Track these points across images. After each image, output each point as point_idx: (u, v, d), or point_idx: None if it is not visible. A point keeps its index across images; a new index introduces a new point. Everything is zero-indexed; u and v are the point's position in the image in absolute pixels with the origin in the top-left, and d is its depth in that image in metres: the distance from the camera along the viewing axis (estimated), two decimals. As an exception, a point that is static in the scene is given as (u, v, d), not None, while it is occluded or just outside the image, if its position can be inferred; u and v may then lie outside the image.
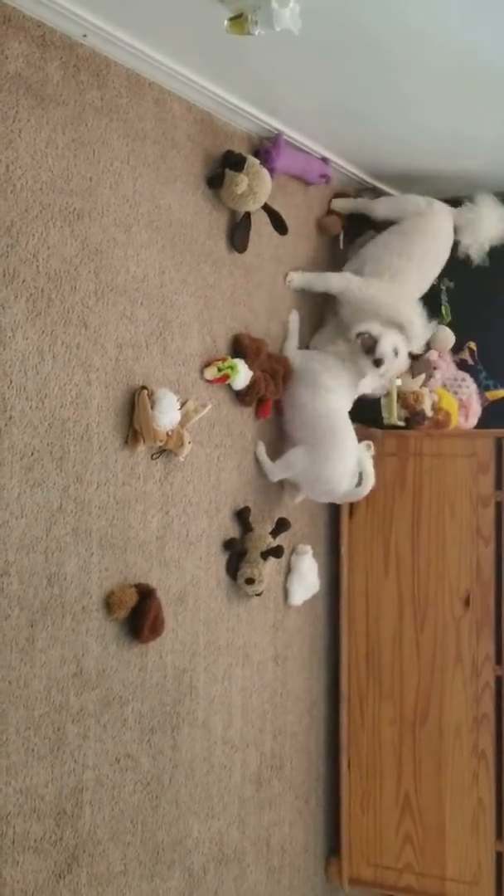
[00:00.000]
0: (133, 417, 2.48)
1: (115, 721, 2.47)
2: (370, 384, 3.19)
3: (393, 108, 2.80)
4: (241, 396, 2.91)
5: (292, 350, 3.14)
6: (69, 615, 2.31)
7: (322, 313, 3.37)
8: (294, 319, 3.18)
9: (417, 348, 3.20)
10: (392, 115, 2.85)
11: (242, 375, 2.85)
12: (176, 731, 2.70)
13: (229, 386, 2.86)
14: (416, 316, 3.13)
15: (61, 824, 2.30)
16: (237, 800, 3.00)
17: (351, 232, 3.49)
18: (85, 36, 2.28)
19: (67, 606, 2.31)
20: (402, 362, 3.20)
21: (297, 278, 3.21)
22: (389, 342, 3.05)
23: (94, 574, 2.38)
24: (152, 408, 2.46)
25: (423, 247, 3.17)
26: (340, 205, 3.45)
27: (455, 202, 3.32)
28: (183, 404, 2.61)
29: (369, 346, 3.04)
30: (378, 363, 3.05)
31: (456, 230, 3.28)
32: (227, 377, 2.80)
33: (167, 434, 2.52)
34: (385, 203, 3.38)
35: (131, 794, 2.53)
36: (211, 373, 2.77)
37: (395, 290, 3.12)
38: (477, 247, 3.29)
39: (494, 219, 3.25)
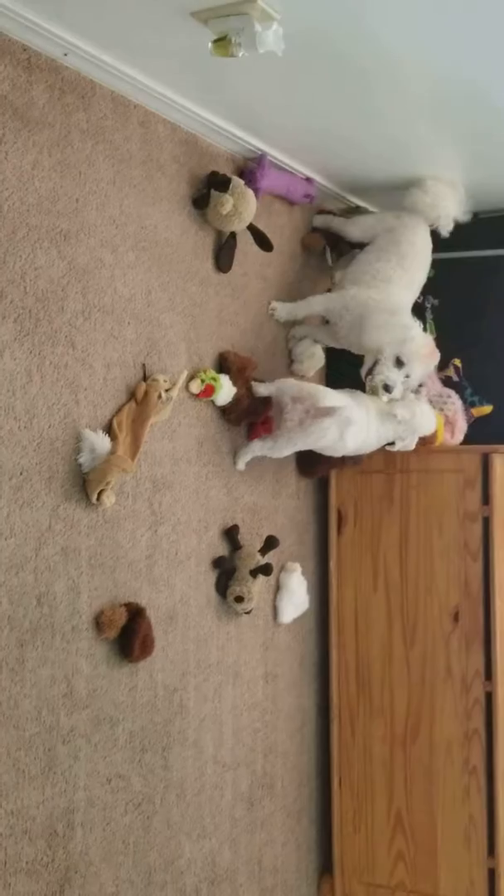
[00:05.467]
0: (125, 413, 2.49)
1: (106, 741, 2.46)
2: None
3: (374, 128, 2.83)
4: (226, 414, 2.93)
5: None
6: (59, 635, 2.31)
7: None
8: None
9: (417, 353, 3.01)
10: (373, 135, 2.89)
11: (226, 390, 2.86)
12: (167, 750, 2.70)
13: (215, 404, 2.88)
14: (411, 320, 3.04)
15: (53, 846, 2.29)
16: (229, 819, 2.99)
17: (337, 248, 3.51)
18: (66, 55, 2.30)
19: (57, 626, 2.30)
20: (418, 371, 3.05)
21: (280, 309, 3.21)
22: (387, 363, 2.97)
23: (83, 593, 2.38)
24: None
25: (401, 252, 3.15)
26: (320, 221, 3.47)
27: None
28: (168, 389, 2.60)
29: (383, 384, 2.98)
30: (388, 389, 2.97)
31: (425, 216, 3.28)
32: (211, 389, 2.82)
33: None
34: (358, 224, 3.38)
35: (123, 815, 2.52)
36: (196, 385, 2.78)
37: (384, 288, 3.07)
38: (445, 220, 3.28)
39: (449, 193, 3.25)
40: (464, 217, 3.32)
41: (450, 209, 3.26)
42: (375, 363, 2.99)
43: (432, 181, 3.21)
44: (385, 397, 3.01)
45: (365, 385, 3.05)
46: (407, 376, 3.00)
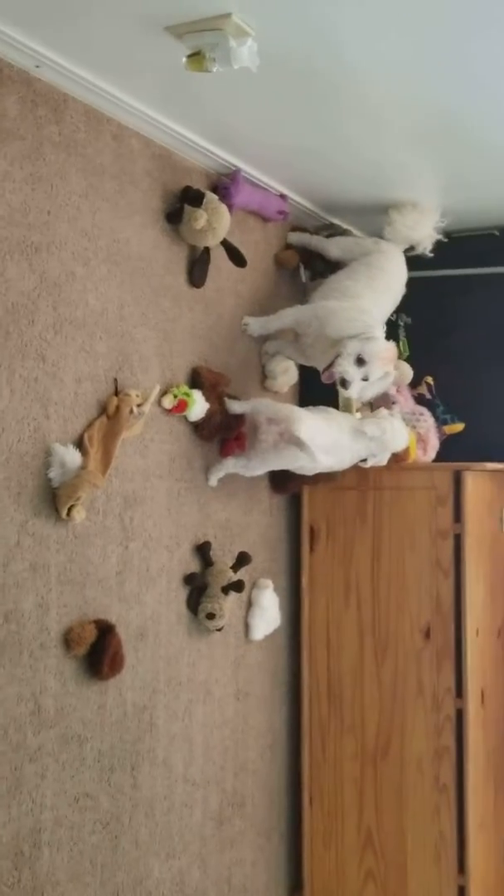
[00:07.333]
0: (96, 427, 2.48)
1: (74, 760, 2.43)
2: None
3: (346, 147, 2.84)
4: (198, 430, 2.92)
5: None
6: (27, 652, 2.28)
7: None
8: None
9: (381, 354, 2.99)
10: (346, 154, 2.89)
11: (199, 405, 2.85)
12: (136, 769, 2.67)
13: (188, 419, 2.87)
14: (378, 325, 3.06)
15: (19, 866, 2.26)
16: (198, 838, 2.96)
17: (311, 266, 3.52)
18: (38, 67, 2.28)
19: (25, 643, 2.27)
20: (379, 367, 3.00)
21: (253, 324, 3.22)
22: (348, 359, 2.94)
23: (52, 610, 2.36)
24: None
25: (371, 273, 3.20)
26: (296, 239, 3.48)
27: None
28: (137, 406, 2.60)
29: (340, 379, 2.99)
30: (344, 384, 2.96)
31: (406, 238, 3.36)
32: (184, 404, 2.81)
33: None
34: (338, 244, 3.43)
35: (90, 835, 2.49)
36: (168, 401, 2.77)
37: (352, 301, 3.09)
38: (428, 240, 3.38)
39: (425, 216, 3.33)
40: (437, 238, 3.38)
41: (426, 234, 3.34)
42: (336, 358, 2.97)
43: (410, 206, 3.27)
44: (345, 394, 3.00)
45: (337, 398, 3.06)
46: (365, 379, 2.97)
